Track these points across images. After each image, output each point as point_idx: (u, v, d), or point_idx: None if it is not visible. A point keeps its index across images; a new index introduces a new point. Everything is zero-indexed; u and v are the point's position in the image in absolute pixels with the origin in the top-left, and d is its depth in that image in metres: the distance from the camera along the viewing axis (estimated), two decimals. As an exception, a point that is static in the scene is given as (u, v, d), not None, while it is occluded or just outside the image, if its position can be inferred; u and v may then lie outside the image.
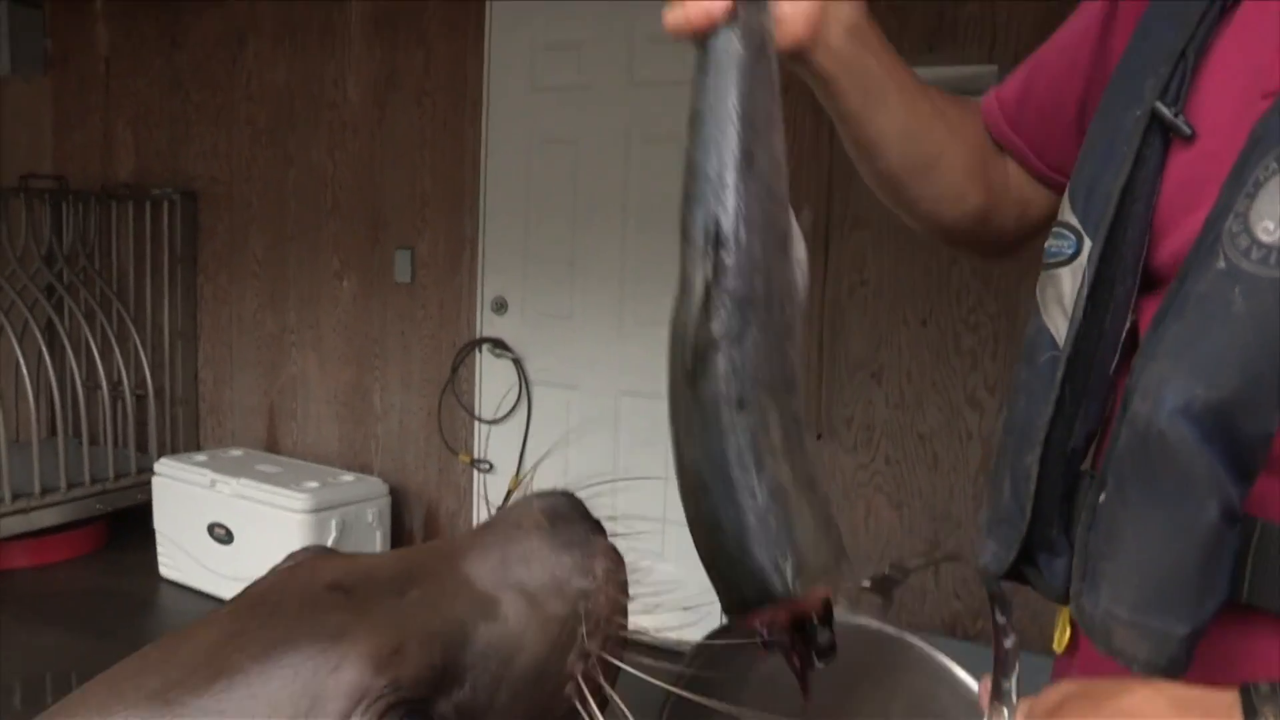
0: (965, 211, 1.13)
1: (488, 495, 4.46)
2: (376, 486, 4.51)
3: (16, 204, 5.11)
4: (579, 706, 0.65)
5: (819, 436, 3.82)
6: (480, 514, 4.53)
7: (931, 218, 1.15)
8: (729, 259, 0.72)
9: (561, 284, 4.28)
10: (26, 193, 5.20)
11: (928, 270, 3.63)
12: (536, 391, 4.37)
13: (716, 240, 0.73)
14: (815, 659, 0.72)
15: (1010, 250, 1.20)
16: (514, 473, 4.41)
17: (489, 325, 4.44)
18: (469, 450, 4.52)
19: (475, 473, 4.52)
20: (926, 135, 1.09)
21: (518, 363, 4.37)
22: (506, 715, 0.64)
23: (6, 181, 5.42)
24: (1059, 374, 0.89)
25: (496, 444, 4.48)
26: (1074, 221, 0.91)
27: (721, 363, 0.70)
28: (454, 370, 4.48)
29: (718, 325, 0.70)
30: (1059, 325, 0.90)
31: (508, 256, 4.39)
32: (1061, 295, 0.90)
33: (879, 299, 3.72)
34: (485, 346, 4.43)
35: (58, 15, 5.82)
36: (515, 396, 4.39)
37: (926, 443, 3.67)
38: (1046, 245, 0.95)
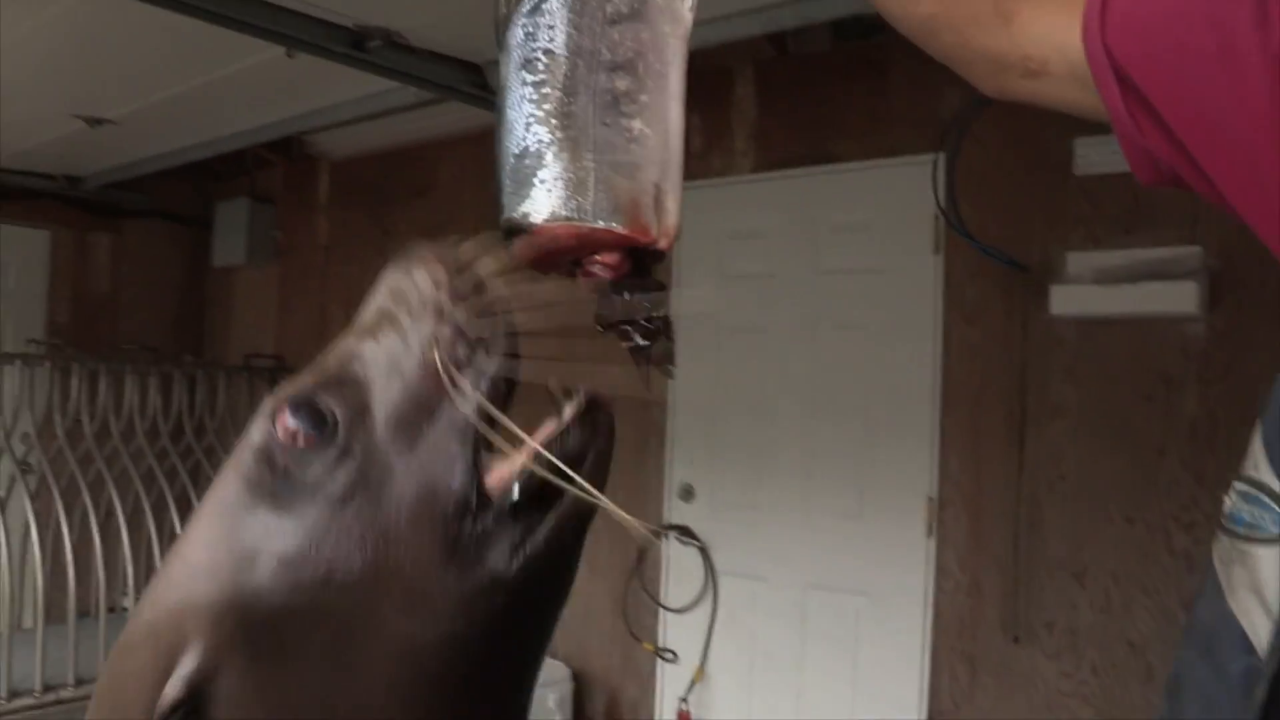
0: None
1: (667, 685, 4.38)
2: (559, 670, 4.49)
3: (240, 380, 5.47)
4: (442, 374, 0.72)
5: (1015, 639, 3.61)
6: (664, 704, 4.44)
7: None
8: None
9: (749, 473, 4.24)
10: (249, 370, 5.56)
11: (1132, 464, 3.43)
12: (723, 581, 4.31)
13: None
14: (638, 340, 0.79)
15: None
16: (698, 663, 4.32)
17: (676, 513, 4.43)
18: (653, 639, 4.47)
19: (659, 661, 4.45)
20: None
21: (704, 551, 4.33)
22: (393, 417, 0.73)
23: (233, 360, 5.84)
24: (1258, 693, 0.71)
25: (681, 633, 4.41)
26: (1277, 486, 0.74)
27: (515, 31, 0.76)
28: (640, 558, 4.48)
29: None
30: (1256, 624, 0.73)
31: (695, 446, 4.40)
32: (1259, 583, 0.73)
33: (1079, 495, 3.53)
34: (672, 535, 4.42)
35: (287, 210, 6.33)
36: (701, 586, 4.33)
37: (1139, 653, 3.40)
38: (1231, 507, 0.78)
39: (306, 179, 6.24)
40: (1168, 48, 0.83)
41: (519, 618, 0.72)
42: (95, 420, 4.84)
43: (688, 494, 4.40)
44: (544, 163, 0.75)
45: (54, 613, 4.39)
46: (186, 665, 0.65)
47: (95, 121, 4.78)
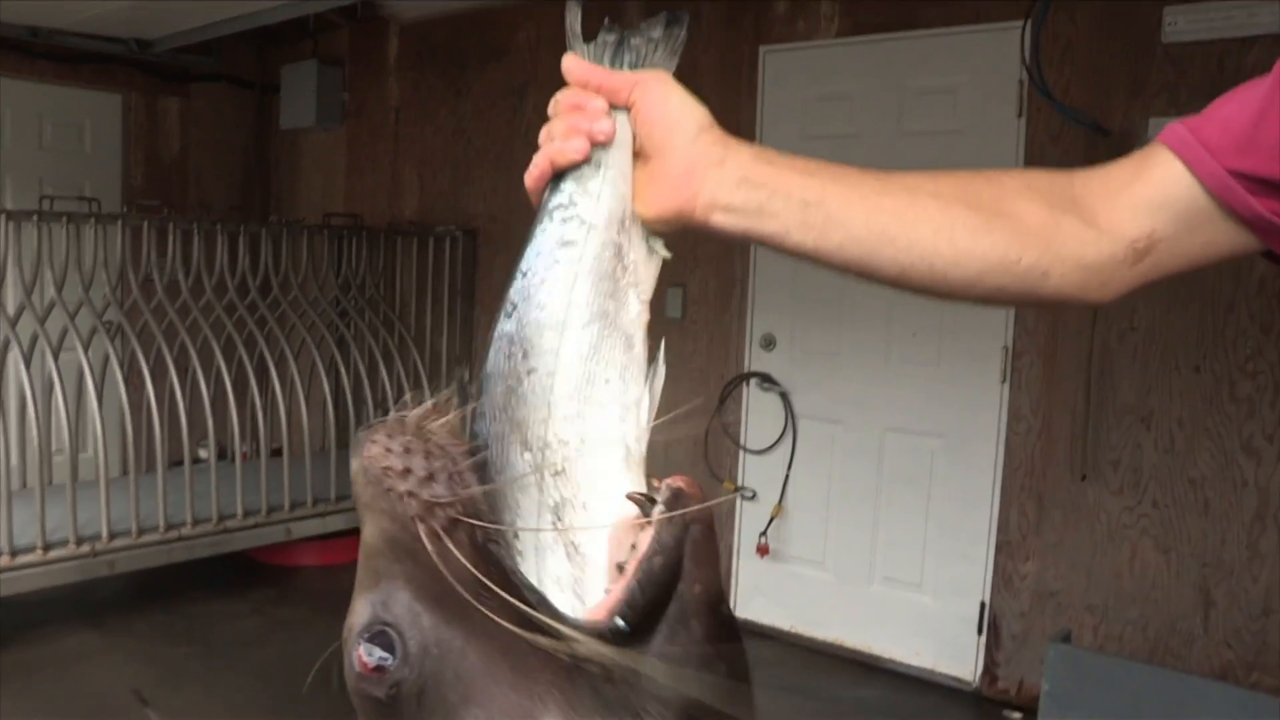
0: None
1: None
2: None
3: (320, 239, 5.68)
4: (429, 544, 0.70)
5: (1083, 478, 3.91)
6: (742, 540, 4.79)
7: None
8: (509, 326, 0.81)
9: (830, 323, 4.51)
10: (328, 229, 5.78)
11: (1201, 318, 3.68)
12: (802, 425, 4.61)
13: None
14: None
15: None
16: (776, 501, 4.65)
17: (757, 360, 4.72)
18: (733, 478, 4.79)
19: (739, 499, 4.79)
20: (967, 243, 0.89)
21: (784, 396, 4.62)
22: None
23: (310, 219, 6.05)
24: None
25: (761, 473, 4.74)
26: None
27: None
28: (722, 401, 4.77)
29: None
30: None
31: (777, 296, 4.66)
32: None
33: (1149, 345, 3.79)
34: (753, 380, 4.70)
35: (356, 72, 6.46)
36: (781, 429, 4.64)
37: (1198, 488, 3.71)
38: None
39: (375, 42, 6.35)
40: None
41: None
42: (190, 277, 5.07)
43: (769, 343, 4.67)
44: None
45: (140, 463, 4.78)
46: None
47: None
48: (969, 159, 4.09)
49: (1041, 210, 0.90)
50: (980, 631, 4.14)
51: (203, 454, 5.40)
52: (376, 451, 0.73)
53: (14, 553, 4.23)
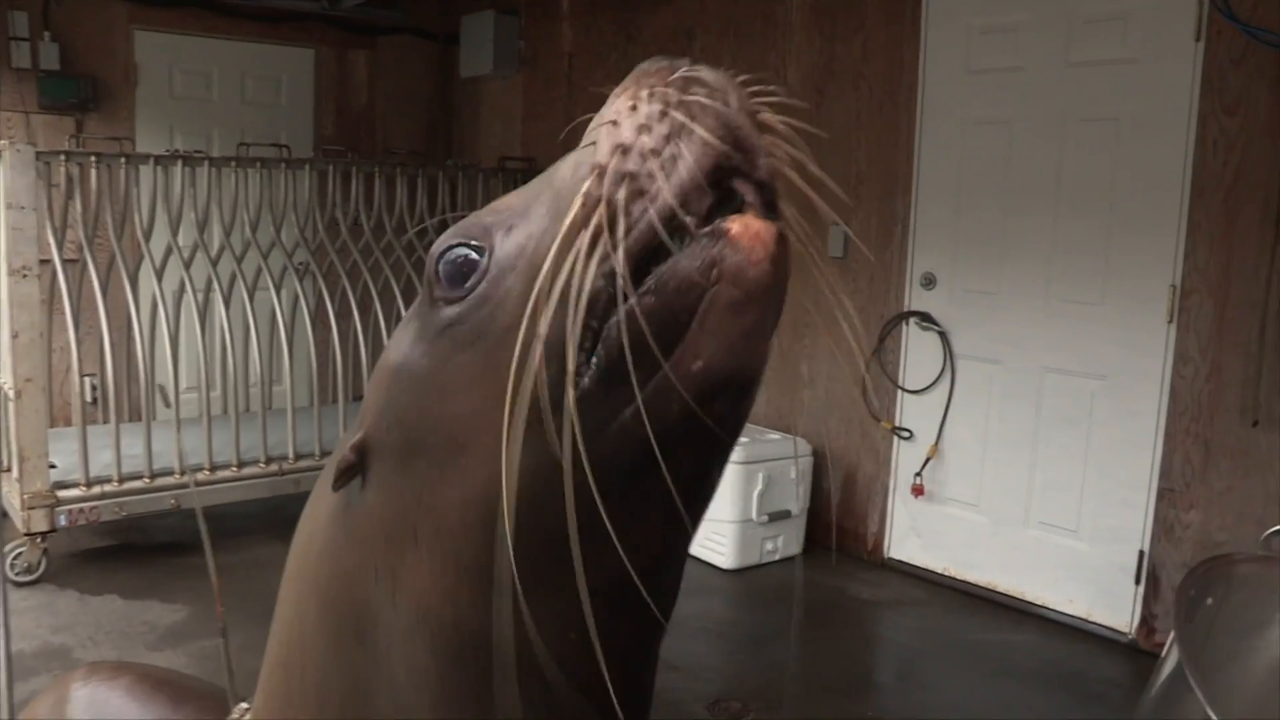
0: None
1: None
2: (801, 446, 4.83)
3: (495, 181, 5.90)
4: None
5: (1255, 424, 3.72)
6: (899, 479, 4.77)
7: None
8: None
9: (990, 262, 4.41)
10: (503, 172, 5.98)
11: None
12: (960, 365, 4.54)
13: None
14: None
15: None
16: (933, 441, 4.61)
17: (917, 299, 4.66)
18: (890, 418, 4.77)
19: (895, 439, 4.76)
20: None
21: (943, 336, 4.56)
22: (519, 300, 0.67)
23: (488, 163, 6.28)
24: None
25: (918, 413, 4.69)
26: None
27: None
28: (881, 341, 4.74)
29: None
30: None
31: (938, 234, 4.58)
32: None
33: (1334, 283, 3.57)
34: (913, 320, 4.65)
35: (531, 20, 6.63)
36: (939, 369, 4.58)
37: (1382, 436, 3.49)
38: None
39: (549, -11, 6.50)
40: None
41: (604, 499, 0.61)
42: (372, 219, 5.36)
43: (929, 282, 4.60)
44: None
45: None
46: (355, 437, 0.77)
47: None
48: (1141, 89, 3.92)
49: None
50: (1138, 581, 4.01)
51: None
52: (625, 104, 0.65)
53: (214, 468, 4.68)
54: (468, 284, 0.70)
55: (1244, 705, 0.90)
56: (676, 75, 0.64)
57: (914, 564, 4.71)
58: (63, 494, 4.29)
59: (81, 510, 4.32)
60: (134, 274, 4.70)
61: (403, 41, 7.15)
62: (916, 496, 4.65)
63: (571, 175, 0.68)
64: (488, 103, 7.07)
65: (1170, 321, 3.89)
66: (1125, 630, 4.05)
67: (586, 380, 0.63)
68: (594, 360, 0.63)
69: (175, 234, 4.74)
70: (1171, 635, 0.97)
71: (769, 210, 0.65)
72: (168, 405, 4.76)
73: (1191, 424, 3.89)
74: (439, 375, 0.71)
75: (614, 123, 0.65)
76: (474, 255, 0.71)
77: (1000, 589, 4.42)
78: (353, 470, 0.76)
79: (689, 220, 0.61)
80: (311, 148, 6.71)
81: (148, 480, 4.46)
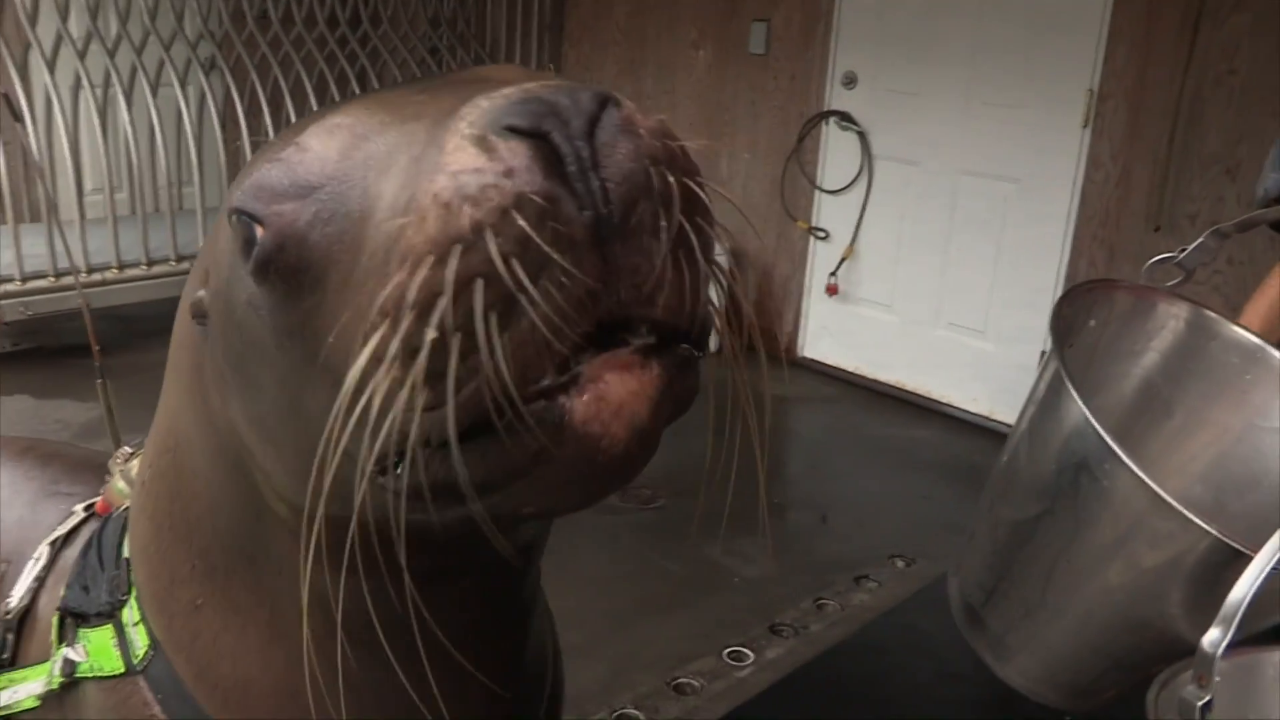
0: None
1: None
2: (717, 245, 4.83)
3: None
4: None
5: (1156, 229, 3.80)
6: (814, 279, 4.82)
7: None
8: None
9: (913, 62, 4.35)
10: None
11: (1310, 60, 3.45)
12: (878, 165, 4.54)
13: None
14: None
15: None
16: (848, 242, 4.65)
17: (837, 99, 4.60)
18: (807, 218, 4.78)
19: (812, 239, 4.79)
20: None
21: (862, 136, 4.53)
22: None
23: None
24: None
25: (834, 214, 4.71)
26: None
27: None
28: (800, 140, 4.70)
29: None
30: None
31: (861, 32, 4.49)
32: None
33: (1247, 91, 3.58)
34: (832, 119, 4.60)
35: None
36: (857, 169, 4.58)
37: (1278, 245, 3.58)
38: None
39: None
40: None
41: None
42: (280, 9, 5.08)
43: (850, 80, 4.54)
44: None
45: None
46: (196, 291, 0.70)
47: None
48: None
49: None
50: (1039, 379, 4.16)
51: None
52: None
53: (122, 267, 4.57)
54: (258, 268, 0.59)
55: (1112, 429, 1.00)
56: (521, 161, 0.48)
57: (826, 362, 4.83)
58: (-36, 294, 4.20)
59: (-15, 309, 4.24)
60: (21, 64, 4.44)
61: None
62: (830, 295, 4.73)
63: (393, 233, 0.51)
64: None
65: (1085, 126, 3.91)
66: (1022, 426, 4.23)
67: (394, 483, 0.54)
68: (400, 471, 0.53)
69: (64, 19, 4.46)
70: (1048, 350, 1.06)
71: (664, 347, 0.53)
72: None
73: (1099, 229, 3.96)
74: (250, 330, 0.62)
75: (446, 205, 0.49)
76: (258, 233, 0.58)
77: (908, 387, 4.57)
78: (199, 318, 0.71)
79: (523, 407, 0.49)
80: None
81: (52, 279, 4.37)
